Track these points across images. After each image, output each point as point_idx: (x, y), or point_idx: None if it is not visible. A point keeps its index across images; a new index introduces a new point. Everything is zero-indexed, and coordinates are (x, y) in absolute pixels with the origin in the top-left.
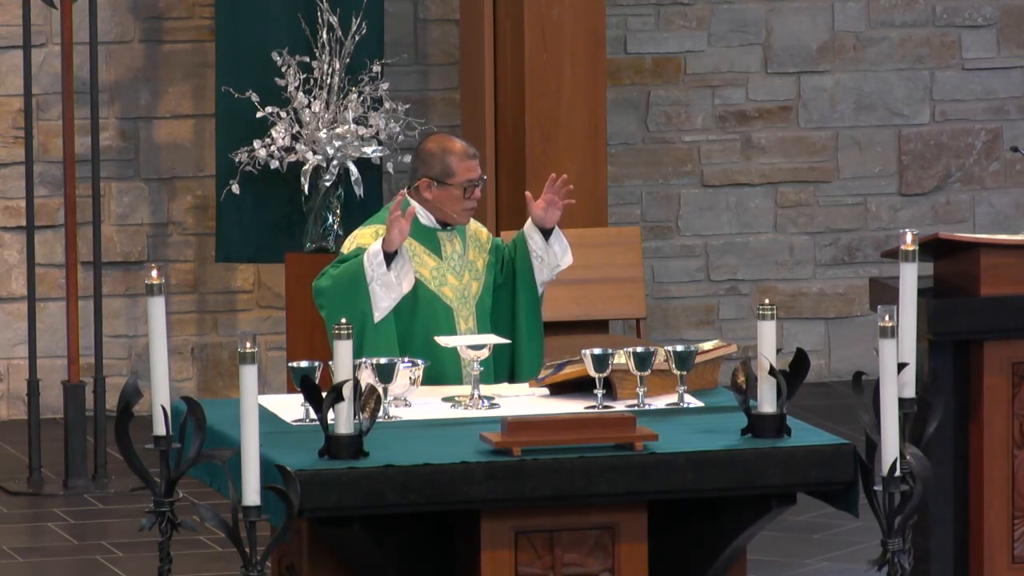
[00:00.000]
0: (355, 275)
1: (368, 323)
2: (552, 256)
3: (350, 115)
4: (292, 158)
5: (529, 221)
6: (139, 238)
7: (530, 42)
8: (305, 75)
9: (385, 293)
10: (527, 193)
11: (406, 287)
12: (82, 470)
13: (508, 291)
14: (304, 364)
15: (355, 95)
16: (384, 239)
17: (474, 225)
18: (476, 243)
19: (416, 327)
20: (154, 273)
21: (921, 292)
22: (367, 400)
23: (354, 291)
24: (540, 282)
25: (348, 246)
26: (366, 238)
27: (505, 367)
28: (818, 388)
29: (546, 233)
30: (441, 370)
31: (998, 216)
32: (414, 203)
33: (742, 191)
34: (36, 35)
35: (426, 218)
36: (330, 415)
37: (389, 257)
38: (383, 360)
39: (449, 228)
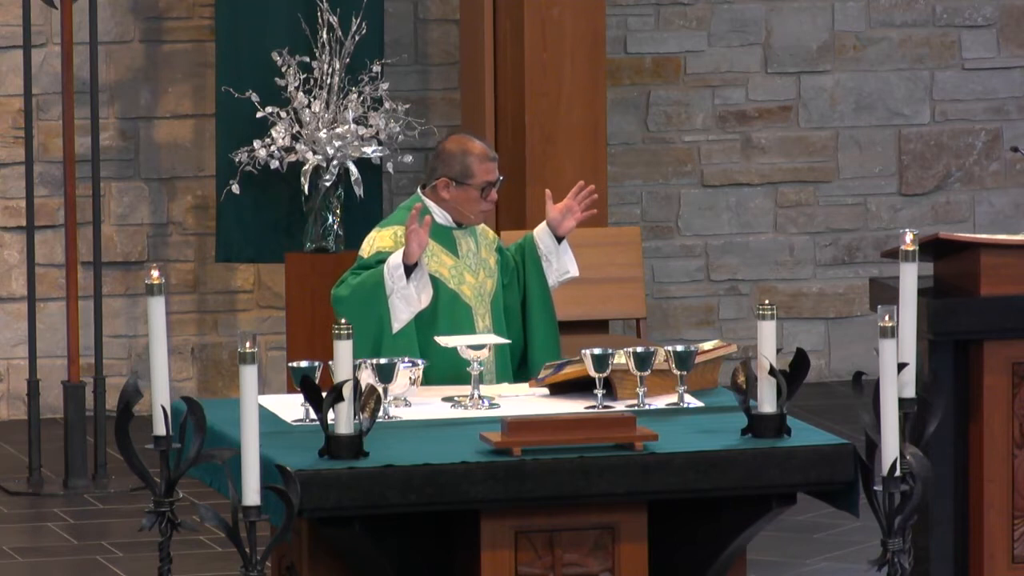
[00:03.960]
0: (375, 287)
1: (386, 332)
2: (561, 262)
3: (350, 115)
4: (292, 158)
5: (543, 224)
6: (139, 238)
7: (530, 42)
8: (305, 75)
9: (404, 306)
10: (547, 192)
11: (424, 300)
12: (82, 470)
13: (512, 294)
14: (304, 364)
15: (355, 95)
16: (404, 251)
17: (480, 225)
18: (486, 241)
19: (439, 327)
20: (154, 273)
21: (921, 292)
22: (367, 400)
23: (374, 302)
24: (549, 285)
25: (367, 249)
26: (385, 240)
27: (516, 366)
28: (818, 388)
29: (557, 240)
30: (459, 371)
31: (998, 216)
32: (429, 202)
33: (742, 191)
34: (36, 35)
35: (442, 217)
36: (330, 415)
37: (408, 269)
38: (383, 360)
39: (463, 227)
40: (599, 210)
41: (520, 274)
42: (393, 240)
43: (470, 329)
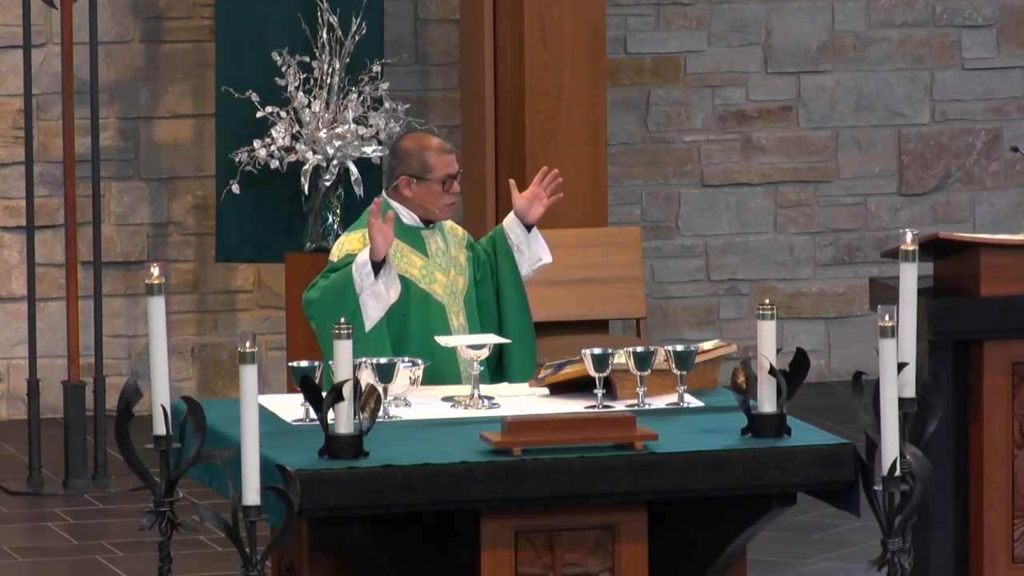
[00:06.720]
0: (344, 286)
1: (359, 331)
2: (532, 251)
3: (350, 115)
4: (292, 158)
5: (511, 215)
6: (139, 238)
7: (530, 42)
8: (305, 75)
9: (374, 303)
10: (511, 181)
11: (393, 296)
12: (82, 470)
13: (486, 288)
14: (304, 364)
15: (355, 95)
16: (371, 248)
17: (448, 223)
18: (455, 239)
19: (411, 327)
20: (154, 273)
21: (921, 292)
22: (367, 400)
23: (344, 302)
24: (522, 276)
25: (336, 254)
26: (354, 243)
27: (493, 364)
28: (818, 388)
29: (527, 228)
30: (439, 369)
31: (998, 216)
32: (395, 203)
33: (742, 191)
34: (36, 35)
35: (408, 217)
36: (330, 415)
37: (376, 266)
38: (383, 360)
39: (431, 226)
40: (599, 210)
41: (492, 267)
42: (362, 243)
43: (444, 328)
